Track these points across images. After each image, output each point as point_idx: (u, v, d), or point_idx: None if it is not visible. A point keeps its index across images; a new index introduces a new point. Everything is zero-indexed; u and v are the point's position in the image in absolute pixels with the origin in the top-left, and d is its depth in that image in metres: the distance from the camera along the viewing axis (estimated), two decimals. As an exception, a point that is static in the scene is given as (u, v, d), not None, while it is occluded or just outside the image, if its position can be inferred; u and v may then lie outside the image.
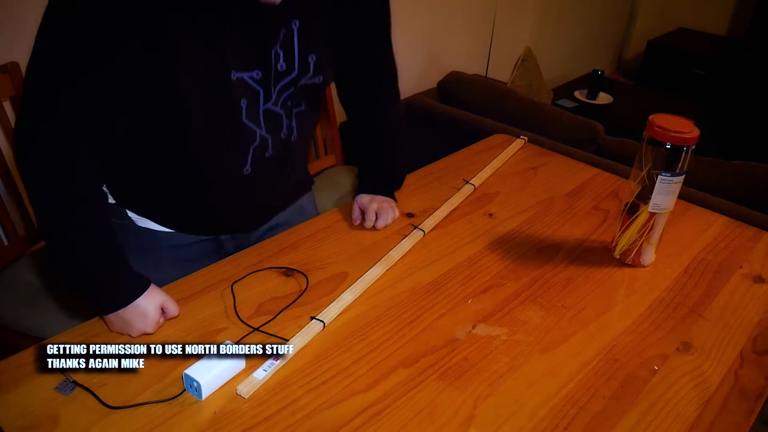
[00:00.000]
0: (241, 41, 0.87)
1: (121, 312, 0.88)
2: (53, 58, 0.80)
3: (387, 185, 1.24)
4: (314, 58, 0.96)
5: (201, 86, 0.87)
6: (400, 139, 1.25)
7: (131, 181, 1.03)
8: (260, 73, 0.91)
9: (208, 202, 1.03)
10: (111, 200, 1.04)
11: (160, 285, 0.96)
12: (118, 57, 0.81)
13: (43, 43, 0.80)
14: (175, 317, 0.93)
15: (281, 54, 0.92)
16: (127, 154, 0.98)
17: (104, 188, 1.00)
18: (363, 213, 1.19)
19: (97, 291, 0.89)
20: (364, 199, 1.20)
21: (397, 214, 1.20)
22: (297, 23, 0.91)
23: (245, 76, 0.90)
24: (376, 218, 1.18)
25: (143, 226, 1.06)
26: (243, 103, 0.91)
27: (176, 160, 0.97)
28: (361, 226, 1.19)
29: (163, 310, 0.92)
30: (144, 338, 0.90)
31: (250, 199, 1.06)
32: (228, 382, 0.84)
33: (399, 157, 1.26)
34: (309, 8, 0.93)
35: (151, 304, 0.89)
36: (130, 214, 1.05)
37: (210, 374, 0.81)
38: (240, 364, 0.85)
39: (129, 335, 0.90)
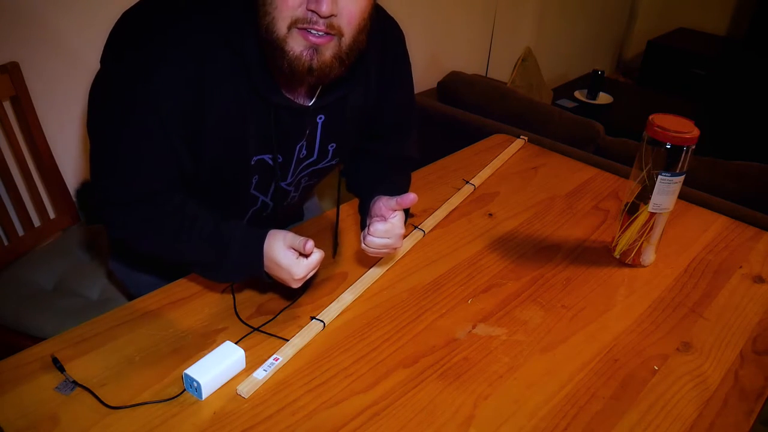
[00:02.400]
0: (266, 132, 0.89)
1: (264, 271, 0.89)
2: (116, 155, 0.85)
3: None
4: (334, 146, 0.99)
5: (219, 166, 0.90)
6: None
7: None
8: (282, 158, 0.94)
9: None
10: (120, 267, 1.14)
11: (159, 286, 0.96)
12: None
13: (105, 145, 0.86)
14: (313, 252, 0.86)
15: (304, 144, 0.95)
16: None
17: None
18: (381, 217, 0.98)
19: (234, 272, 0.90)
20: (389, 201, 0.95)
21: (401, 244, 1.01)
22: (323, 117, 0.94)
23: (266, 158, 0.92)
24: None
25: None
26: (254, 179, 0.94)
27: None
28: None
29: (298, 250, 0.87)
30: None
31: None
32: (228, 382, 0.84)
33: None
34: (338, 106, 0.94)
35: (276, 252, 0.86)
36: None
37: (210, 374, 0.81)
38: (240, 364, 0.85)
39: (292, 286, 0.89)
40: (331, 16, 0.76)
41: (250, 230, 0.90)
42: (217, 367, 0.82)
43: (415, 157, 1.18)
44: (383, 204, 0.94)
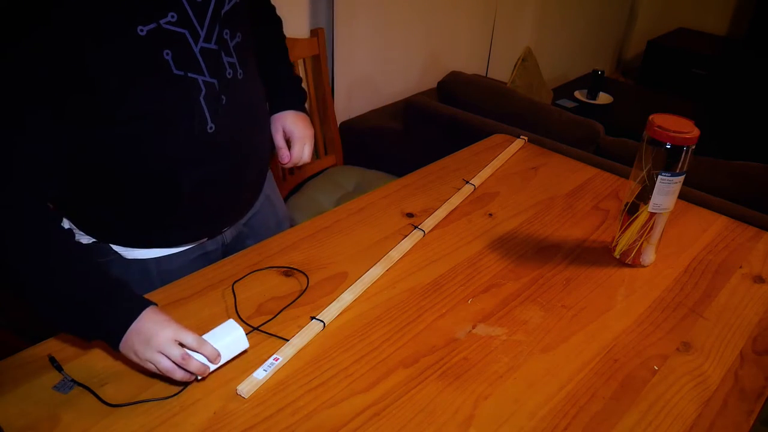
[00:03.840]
0: None
1: (122, 344, 0.79)
2: None
3: (300, 99, 1.21)
4: None
5: (108, 53, 0.79)
6: (288, 59, 1.25)
7: (101, 205, 0.97)
8: (176, 15, 0.83)
9: (187, 183, 0.94)
10: (90, 239, 1.00)
11: None
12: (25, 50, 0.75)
13: None
14: (209, 355, 0.81)
15: None
16: (83, 176, 0.92)
17: (74, 227, 0.98)
18: (289, 143, 1.15)
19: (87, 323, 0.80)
20: (287, 120, 1.16)
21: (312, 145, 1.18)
22: None
23: (161, 23, 0.82)
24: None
25: (131, 257, 1.01)
26: (167, 55, 0.83)
27: (134, 146, 0.89)
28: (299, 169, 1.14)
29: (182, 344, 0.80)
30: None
31: (227, 168, 0.98)
32: (228, 382, 0.84)
33: (296, 76, 1.25)
34: None
35: (153, 325, 0.79)
36: (115, 248, 1.00)
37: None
38: (242, 342, 0.84)
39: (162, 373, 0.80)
40: None
41: (130, 290, 0.82)
42: (218, 343, 0.81)
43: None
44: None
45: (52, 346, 0.87)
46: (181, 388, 0.82)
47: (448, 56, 2.89)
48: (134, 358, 0.79)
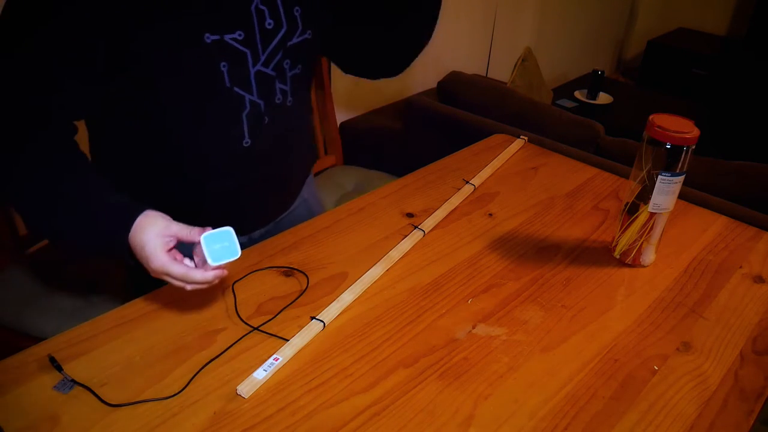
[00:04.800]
0: (214, 1, 0.82)
1: (131, 249, 0.80)
2: (13, 22, 0.76)
3: None
4: (299, 10, 0.91)
5: (171, 52, 0.81)
6: None
7: (137, 189, 0.97)
8: (243, 34, 0.86)
9: (216, 189, 0.97)
10: None
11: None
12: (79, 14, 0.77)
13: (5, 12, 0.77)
14: (199, 281, 0.81)
15: (266, 11, 0.87)
16: (125, 159, 0.95)
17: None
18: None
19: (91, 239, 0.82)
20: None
21: None
22: None
23: (226, 37, 0.84)
24: None
25: None
26: (224, 67, 0.86)
27: (170, 143, 0.92)
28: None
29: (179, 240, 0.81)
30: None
31: (258, 179, 1.01)
32: (228, 382, 0.84)
33: None
34: None
35: (145, 237, 0.79)
36: None
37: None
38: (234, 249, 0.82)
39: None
40: None
41: (127, 200, 0.82)
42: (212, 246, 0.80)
43: None
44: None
45: (52, 346, 0.87)
46: (181, 388, 0.82)
47: (448, 56, 2.89)
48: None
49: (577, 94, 3.30)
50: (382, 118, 2.43)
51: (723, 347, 0.96)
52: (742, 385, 0.89)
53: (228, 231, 0.81)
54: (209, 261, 0.79)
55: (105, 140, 0.95)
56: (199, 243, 0.80)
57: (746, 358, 0.94)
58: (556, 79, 3.67)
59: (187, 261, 0.83)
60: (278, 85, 0.95)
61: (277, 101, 0.96)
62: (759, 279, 1.12)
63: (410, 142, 2.27)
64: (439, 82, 2.32)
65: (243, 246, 1.11)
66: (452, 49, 2.90)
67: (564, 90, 3.38)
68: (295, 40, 0.93)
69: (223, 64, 0.86)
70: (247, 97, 0.91)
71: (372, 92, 2.54)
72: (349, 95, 2.40)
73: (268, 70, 0.92)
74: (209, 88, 0.87)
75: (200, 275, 0.80)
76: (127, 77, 0.83)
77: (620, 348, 0.94)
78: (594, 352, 0.93)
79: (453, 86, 2.25)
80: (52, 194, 0.81)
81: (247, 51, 0.87)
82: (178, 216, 0.96)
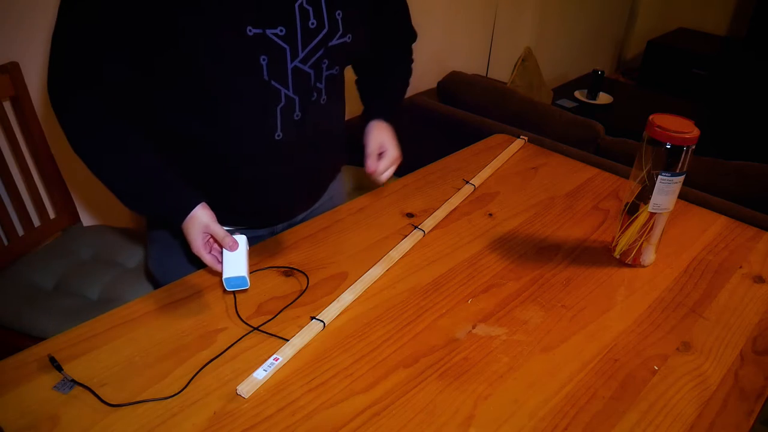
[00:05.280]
0: None
1: (183, 226, 0.92)
2: (75, 14, 0.85)
3: (392, 113, 1.20)
4: (341, 14, 0.95)
5: (215, 40, 0.86)
6: (404, 84, 1.27)
7: (171, 166, 1.03)
8: (284, 30, 0.89)
9: (244, 177, 1.01)
10: None
11: (180, 276, 1.01)
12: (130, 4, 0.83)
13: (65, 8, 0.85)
14: (229, 247, 0.93)
15: (310, 11, 0.90)
16: (162, 135, 0.99)
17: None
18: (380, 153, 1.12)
19: (153, 207, 0.96)
20: (386, 135, 1.13)
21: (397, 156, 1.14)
22: None
23: (268, 32, 0.88)
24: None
25: None
26: (263, 61, 0.89)
27: (205, 127, 0.96)
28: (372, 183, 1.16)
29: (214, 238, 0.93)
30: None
31: (287, 173, 1.03)
32: (228, 382, 0.84)
33: (400, 93, 1.26)
34: None
35: (192, 227, 0.92)
36: None
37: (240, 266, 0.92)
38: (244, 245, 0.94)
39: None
40: None
41: (185, 187, 0.94)
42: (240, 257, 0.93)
43: (413, 32, 1.31)
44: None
45: (52, 346, 0.87)
46: (181, 388, 0.82)
47: (448, 56, 2.89)
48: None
49: (577, 94, 3.30)
50: (382, 118, 2.43)
51: (723, 347, 0.96)
52: (742, 385, 0.89)
53: (244, 277, 0.92)
54: (225, 284, 0.92)
55: (153, 115, 1.00)
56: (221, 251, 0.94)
57: (746, 358, 0.94)
58: (556, 79, 3.67)
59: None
60: (314, 83, 0.98)
61: (312, 98, 0.98)
62: (759, 279, 1.12)
63: (410, 142, 2.27)
64: (439, 82, 2.32)
65: (263, 239, 1.14)
66: (452, 49, 2.90)
67: (564, 90, 3.38)
68: (335, 41, 0.95)
69: (263, 57, 0.89)
70: (283, 91, 0.94)
71: (372, 92, 2.54)
72: (349, 95, 2.40)
73: (305, 67, 0.95)
74: (248, 79, 0.90)
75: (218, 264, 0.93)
76: (175, 53, 0.87)
77: (620, 348, 0.94)
78: (594, 352, 0.93)
79: (453, 86, 2.26)
80: (126, 163, 0.92)
81: (287, 47, 0.90)
82: (206, 191, 1.02)
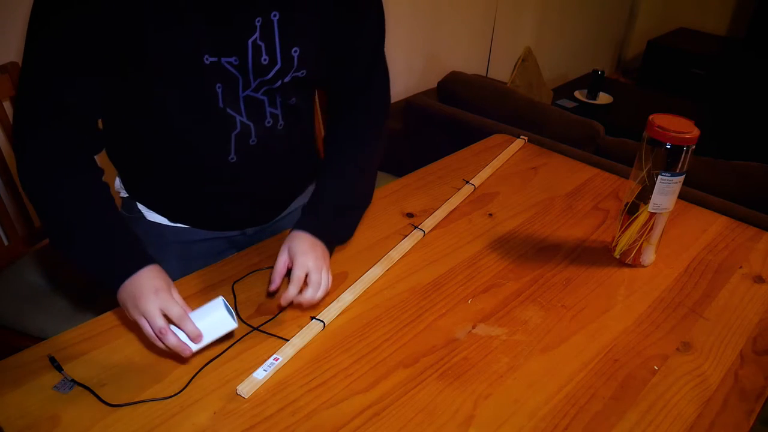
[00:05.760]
0: (216, 26, 0.85)
1: (119, 293, 0.82)
2: (38, 43, 0.82)
3: (338, 227, 1.02)
4: (298, 51, 0.93)
5: (174, 66, 0.85)
6: (371, 178, 1.09)
7: (138, 171, 1.04)
8: (238, 59, 0.89)
9: (207, 191, 1.02)
10: (124, 194, 1.07)
11: (178, 277, 0.97)
12: (92, 23, 0.81)
13: (30, 36, 0.82)
14: (190, 333, 0.81)
15: (263, 46, 0.89)
16: (129, 143, 0.99)
17: (111, 180, 1.00)
18: (290, 268, 0.93)
19: (99, 262, 0.85)
20: (300, 246, 0.92)
21: (329, 284, 0.93)
22: (277, 14, 0.89)
23: (223, 60, 0.87)
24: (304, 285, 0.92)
25: (152, 220, 1.07)
26: (219, 88, 0.89)
27: (166, 146, 0.96)
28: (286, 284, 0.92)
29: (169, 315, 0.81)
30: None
31: (243, 191, 1.04)
32: (228, 382, 0.84)
33: (363, 201, 1.08)
34: (292, 0, 0.90)
35: (145, 283, 0.81)
36: (140, 207, 1.07)
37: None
38: (228, 323, 0.84)
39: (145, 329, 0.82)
40: None
41: (142, 247, 0.86)
42: (201, 322, 0.82)
43: (385, 103, 1.10)
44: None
45: (52, 346, 0.87)
46: (181, 388, 0.82)
47: (448, 56, 2.89)
48: (127, 313, 0.83)
49: (577, 94, 3.30)
50: (382, 118, 2.43)
51: (723, 347, 0.96)
52: (742, 385, 0.89)
53: (217, 302, 0.85)
54: (205, 340, 0.83)
55: (114, 134, 1.00)
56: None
57: (746, 358, 0.94)
58: (556, 79, 3.67)
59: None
60: (268, 109, 0.97)
61: (267, 124, 0.98)
62: (759, 279, 1.12)
63: (410, 142, 2.27)
64: (439, 82, 2.32)
65: (237, 240, 1.14)
66: (452, 49, 2.90)
67: (564, 90, 3.38)
68: (288, 77, 0.95)
69: (218, 85, 0.89)
70: (238, 118, 0.94)
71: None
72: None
73: (258, 95, 0.94)
74: (205, 105, 0.91)
75: (192, 326, 0.81)
76: (138, 78, 0.87)
77: (620, 348, 0.94)
78: (594, 352, 0.93)
79: (453, 86, 2.26)
80: (72, 209, 0.86)
81: (240, 77, 0.91)
82: (174, 201, 1.04)
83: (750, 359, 0.94)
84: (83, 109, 0.87)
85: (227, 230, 1.12)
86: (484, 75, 3.21)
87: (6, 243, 1.43)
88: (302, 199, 1.19)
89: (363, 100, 1.08)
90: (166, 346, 0.80)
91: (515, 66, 2.84)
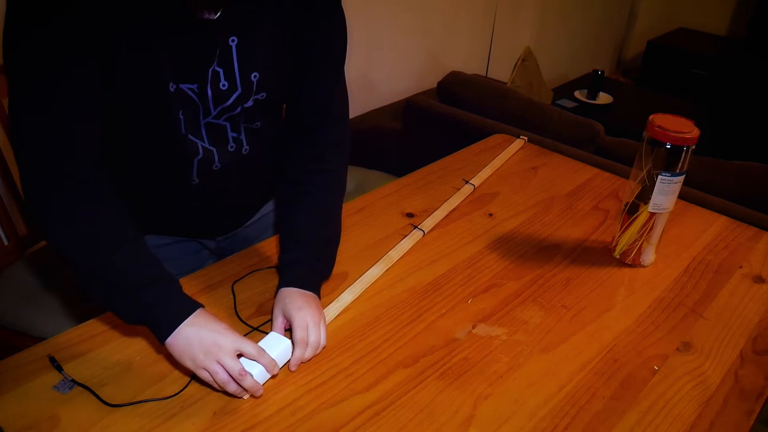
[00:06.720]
0: (178, 54, 0.84)
1: (170, 341, 0.80)
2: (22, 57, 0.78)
3: (321, 269, 1.00)
4: (257, 76, 0.91)
5: (139, 92, 0.84)
6: (340, 209, 1.06)
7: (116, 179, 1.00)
8: (198, 87, 0.88)
9: (169, 205, 1.02)
10: None
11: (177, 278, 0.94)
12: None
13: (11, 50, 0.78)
14: (267, 365, 0.81)
15: (221, 72, 0.88)
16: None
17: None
18: (291, 327, 0.89)
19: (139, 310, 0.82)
20: (294, 304, 0.90)
21: (325, 341, 0.90)
22: (235, 40, 0.87)
23: (185, 87, 0.87)
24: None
25: None
26: (181, 115, 0.88)
27: (130, 165, 0.96)
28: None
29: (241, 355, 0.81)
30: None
31: (206, 206, 1.04)
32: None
33: (338, 235, 1.05)
34: (250, 24, 0.87)
35: (198, 332, 0.80)
36: None
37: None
38: (289, 353, 0.86)
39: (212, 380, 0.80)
40: None
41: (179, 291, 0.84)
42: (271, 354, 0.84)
43: (346, 116, 1.09)
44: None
45: (52, 346, 0.87)
46: (181, 388, 0.82)
47: (448, 56, 2.89)
48: (188, 364, 0.80)
49: (577, 94, 3.30)
50: (381, 118, 2.43)
51: (723, 347, 0.96)
52: (742, 385, 0.89)
53: (273, 336, 0.87)
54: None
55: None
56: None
57: (746, 358, 0.94)
58: (556, 79, 3.67)
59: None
60: (231, 134, 0.96)
61: (230, 149, 0.97)
62: (759, 279, 1.12)
63: (410, 142, 2.27)
64: (439, 82, 2.32)
65: (208, 243, 1.14)
66: (452, 49, 2.90)
67: (564, 90, 3.38)
68: (250, 102, 0.94)
69: (181, 111, 0.88)
70: (200, 144, 0.93)
71: (372, 92, 2.54)
72: (349, 95, 2.40)
73: (219, 121, 0.94)
74: (168, 131, 0.90)
75: (268, 359, 0.82)
76: (107, 94, 0.84)
77: (620, 348, 0.94)
78: (594, 352, 0.93)
79: (453, 86, 2.25)
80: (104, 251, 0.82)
81: (200, 104, 0.90)
82: (141, 209, 1.01)
83: (750, 359, 0.94)
84: (88, 144, 0.84)
85: (196, 238, 1.13)
86: (484, 75, 3.21)
87: (6, 243, 1.43)
88: (273, 205, 1.20)
89: (324, 134, 1.05)
90: (241, 387, 0.80)
91: (515, 66, 2.84)
